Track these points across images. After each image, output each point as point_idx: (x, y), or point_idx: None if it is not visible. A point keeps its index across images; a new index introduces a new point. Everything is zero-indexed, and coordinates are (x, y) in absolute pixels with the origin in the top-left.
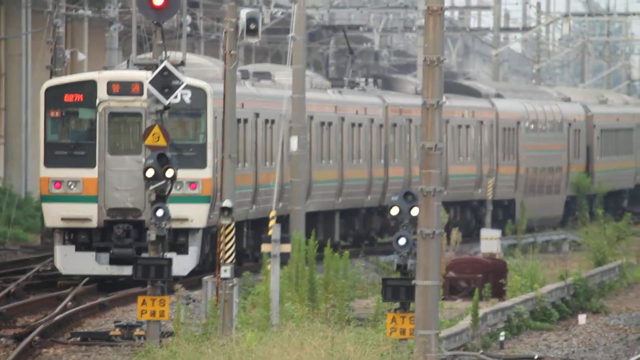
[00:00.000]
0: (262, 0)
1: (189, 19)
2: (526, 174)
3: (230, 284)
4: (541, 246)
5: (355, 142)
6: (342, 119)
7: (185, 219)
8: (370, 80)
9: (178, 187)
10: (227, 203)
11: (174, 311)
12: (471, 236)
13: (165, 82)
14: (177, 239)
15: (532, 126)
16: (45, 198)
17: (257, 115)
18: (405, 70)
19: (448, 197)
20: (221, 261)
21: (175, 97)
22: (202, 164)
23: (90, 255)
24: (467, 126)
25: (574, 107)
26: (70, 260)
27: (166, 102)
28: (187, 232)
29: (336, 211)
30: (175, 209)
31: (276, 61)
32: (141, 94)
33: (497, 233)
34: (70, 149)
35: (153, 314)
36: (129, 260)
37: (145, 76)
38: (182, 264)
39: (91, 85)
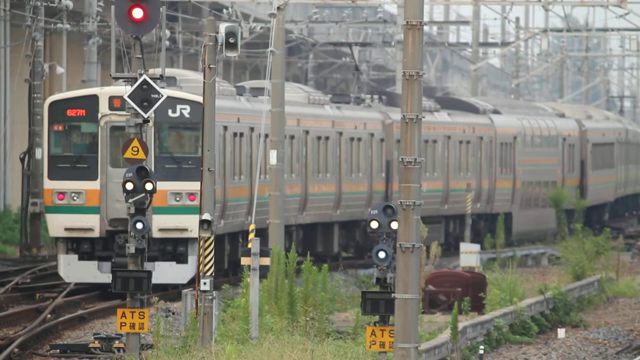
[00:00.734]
0: (241, 14)
1: (168, 33)
2: (522, 188)
3: (210, 297)
4: (520, 260)
5: (355, 156)
6: (340, 133)
7: (185, 229)
8: (376, 96)
9: (177, 199)
10: (206, 216)
11: (153, 324)
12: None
13: (145, 96)
14: (177, 249)
15: (528, 141)
16: (49, 209)
17: (252, 129)
18: (384, 85)
19: (449, 211)
20: (201, 274)
21: (175, 111)
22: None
23: (93, 264)
24: (468, 142)
25: (569, 123)
26: (74, 269)
27: (145, 116)
28: (186, 241)
29: (335, 223)
30: (175, 220)
31: (255, 75)
32: None
33: (476, 247)
34: (73, 161)
35: (132, 326)
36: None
37: None
38: (182, 272)
39: (93, 100)
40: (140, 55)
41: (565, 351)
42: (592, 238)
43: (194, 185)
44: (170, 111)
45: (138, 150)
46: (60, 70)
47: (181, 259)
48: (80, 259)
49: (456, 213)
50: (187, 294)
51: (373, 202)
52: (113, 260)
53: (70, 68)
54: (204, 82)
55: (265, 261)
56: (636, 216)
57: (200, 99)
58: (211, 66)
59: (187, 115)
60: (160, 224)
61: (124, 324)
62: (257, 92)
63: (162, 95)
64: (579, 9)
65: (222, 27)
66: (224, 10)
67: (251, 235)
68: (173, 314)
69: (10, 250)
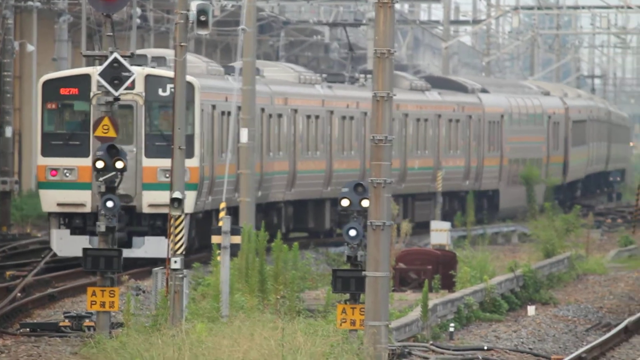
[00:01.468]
0: None
1: (138, 11)
2: (509, 165)
3: (180, 275)
4: (490, 238)
5: (347, 135)
6: (331, 112)
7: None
8: (369, 76)
9: (167, 175)
10: (176, 194)
11: (123, 302)
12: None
13: (115, 74)
14: (166, 224)
15: (515, 119)
16: (42, 185)
17: (239, 108)
18: (355, 63)
19: (440, 188)
20: (171, 252)
21: (165, 91)
22: (190, 154)
23: (85, 239)
24: (457, 120)
25: (554, 100)
26: (66, 243)
27: (116, 94)
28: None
29: (326, 200)
30: (165, 196)
31: (226, 53)
32: (132, 87)
33: (446, 225)
34: (65, 139)
35: (103, 305)
36: (121, 243)
37: (137, 71)
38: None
39: (86, 79)
40: (111, 33)
41: (535, 328)
42: (562, 216)
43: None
44: (160, 90)
45: (109, 129)
46: (30, 48)
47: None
48: (72, 233)
49: (447, 190)
50: (157, 272)
51: (367, 179)
52: None
53: (41, 46)
54: (175, 59)
55: (236, 239)
56: (606, 193)
57: (190, 78)
58: (182, 44)
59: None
60: (150, 199)
61: (94, 303)
62: None
63: (133, 73)
64: None
65: (193, 5)
66: None
67: (222, 214)
68: (143, 292)
69: None
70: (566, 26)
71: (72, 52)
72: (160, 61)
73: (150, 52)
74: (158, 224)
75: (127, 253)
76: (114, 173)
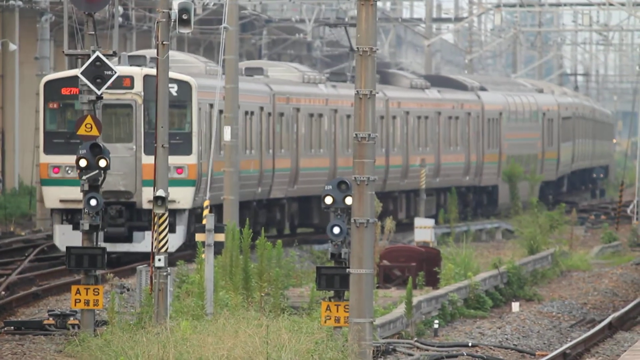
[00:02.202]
0: None
1: (120, 9)
2: (507, 162)
3: (165, 273)
4: (474, 235)
5: (351, 133)
6: (335, 111)
7: (173, 201)
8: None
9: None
10: (160, 192)
11: (108, 300)
12: (473, 217)
13: (98, 72)
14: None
15: (512, 116)
16: (44, 182)
17: (237, 106)
18: (338, 61)
19: (441, 184)
20: (155, 250)
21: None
22: (188, 151)
23: None
24: (457, 117)
25: (547, 98)
26: (68, 238)
27: (99, 92)
28: (174, 212)
29: None
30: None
31: (208, 52)
32: (132, 87)
33: (430, 222)
34: (67, 137)
35: (87, 303)
36: (122, 238)
37: (136, 72)
38: (171, 241)
39: None
40: (93, 32)
41: (520, 325)
42: (546, 212)
43: (181, 160)
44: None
45: (91, 127)
46: (13, 47)
47: (170, 228)
48: (74, 229)
49: (447, 185)
50: (141, 270)
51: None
52: (105, 230)
53: (23, 45)
54: (157, 59)
55: (220, 237)
56: (589, 190)
57: (187, 78)
58: (164, 43)
59: (174, 94)
60: (149, 195)
61: (78, 301)
62: (252, 71)
63: (115, 72)
64: None
65: (175, 3)
66: None
67: (206, 212)
68: (128, 290)
69: None
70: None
71: (54, 50)
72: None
73: (149, 52)
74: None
75: (127, 247)
76: (97, 171)
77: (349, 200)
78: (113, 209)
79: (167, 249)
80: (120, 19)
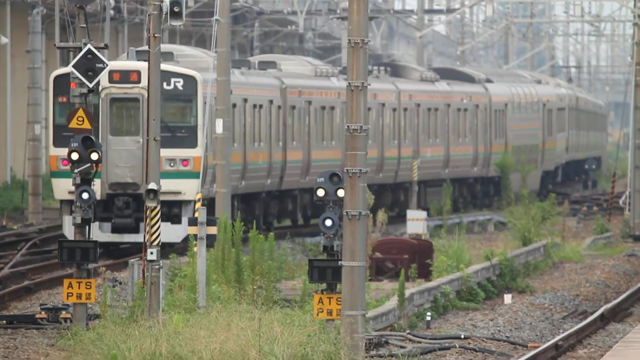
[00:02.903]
0: None
1: (112, 2)
2: (512, 152)
3: (157, 266)
4: (467, 227)
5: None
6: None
7: (179, 192)
8: (382, 68)
9: (172, 164)
10: (152, 185)
11: (100, 294)
12: (466, 209)
13: (89, 65)
14: (172, 210)
15: (516, 107)
16: (54, 174)
17: (245, 100)
18: (330, 53)
19: (450, 175)
20: (147, 243)
21: (170, 84)
22: (193, 144)
23: (94, 225)
24: (465, 109)
25: (546, 89)
26: None
27: (90, 85)
28: (180, 204)
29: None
30: (170, 184)
31: (200, 44)
32: (139, 81)
33: (422, 214)
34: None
35: (79, 296)
36: (129, 229)
37: (143, 66)
38: (176, 232)
39: None
40: (85, 25)
41: (512, 317)
42: (538, 204)
43: (187, 152)
44: (165, 84)
45: (83, 120)
46: (4, 40)
47: (176, 219)
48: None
49: (456, 176)
50: (133, 263)
51: (384, 168)
52: (113, 221)
53: (15, 38)
54: (149, 51)
55: (212, 230)
56: (581, 181)
57: (193, 72)
58: (156, 35)
59: (180, 88)
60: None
61: (70, 295)
62: (266, 65)
63: (107, 65)
64: None
65: None
66: None
67: (198, 205)
68: (120, 283)
69: None
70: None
71: (46, 43)
72: (167, 56)
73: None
74: (164, 211)
75: (134, 238)
76: (89, 165)
77: (341, 193)
78: (120, 200)
79: (159, 242)
80: (111, 12)
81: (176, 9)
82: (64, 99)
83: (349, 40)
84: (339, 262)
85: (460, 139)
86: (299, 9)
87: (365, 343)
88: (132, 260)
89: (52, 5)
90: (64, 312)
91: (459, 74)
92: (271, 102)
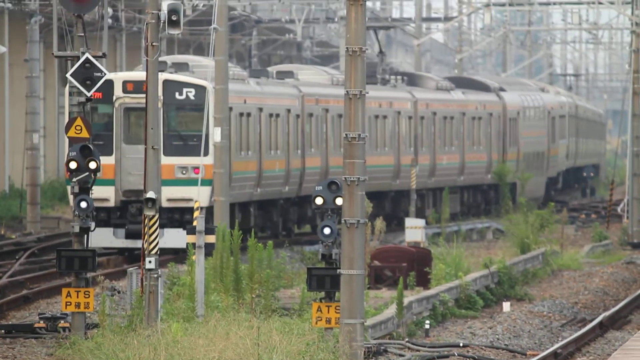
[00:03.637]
0: None
1: (110, 11)
2: (523, 159)
3: (155, 275)
4: (465, 234)
5: (380, 132)
6: None
7: (190, 199)
8: (399, 77)
9: (184, 172)
10: (150, 194)
11: (98, 303)
12: (478, 216)
13: (87, 74)
14: (184, 217)
15: (526, 115)
16: (69, 182)
17: (260, 109)
18: (328, 61)
19: (465, 182)
20: (146, 252)
21: (182, 94)
22: (205, 152)
23: (109, 231)
24: (480, 118)
25: (551, 97)
26: (92, 235)
27: (88, 94)
28: (192, 210)
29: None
30: (182, 191)
31: (198, 52)
32: None
33: (421, 222)
34: (91, 139)
35: (78, 305)
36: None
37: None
38: None
39: (109, 84)
40: (83, 34)
41: (511, 324)
42: (537, 211)
43: (198, 160)
44: (177, 94)
45: (81, 129)
46: (2, 49)
47: (187, 226)
48: (97, 226)
49: (471, 184)
50: (132, 272)
51: (401, 175)
52: (127, 227)
53: (13, 47)
54: (146, 60)
55: (211, 239)
56: (580, 189)
57: (204, 82)
58: (154, 44)
59: (192, 98)
60: (168, 194)
61: (69, 304)
62: (283, 75)
63: (105, 73)
64: None
65: (165, 4)
66: None
67: (196, 213)
68: (119, 292)
69: None
70: (538, 22)
71: (44, 52)
72: (182, 67)
73: (174, 58)
74: (176, 217)
75: None
76: (87, 174)
77: (339, 201)
78: (134, 207)
79: (157, 251)
80: (109, 21)
81: (174, 18)
82: None
83: (347, 48)
84: (338, 271)
85: (474, 146)
86: (296, 17)
87: (364, 351)
88: (130, 269)
89: (50, 14)
90: (62, 321)
91: (474, 83)
92: (289, 110)
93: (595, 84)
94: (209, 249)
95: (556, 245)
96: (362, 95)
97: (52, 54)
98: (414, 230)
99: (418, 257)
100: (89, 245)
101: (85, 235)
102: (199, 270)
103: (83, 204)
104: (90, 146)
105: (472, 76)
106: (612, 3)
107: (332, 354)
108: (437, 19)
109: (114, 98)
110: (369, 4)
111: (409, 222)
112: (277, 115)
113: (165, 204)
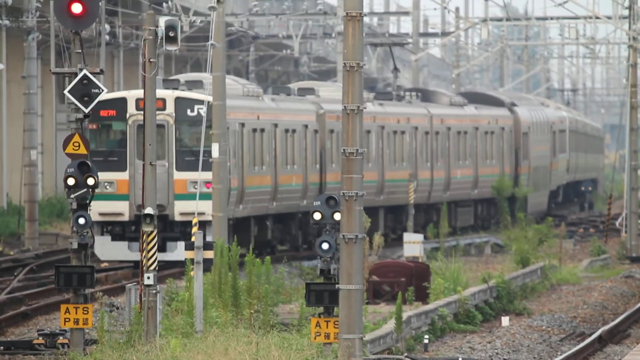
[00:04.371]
0: (181, 8)
1: (107, 27)
2: (533, 172)
3: (154, 291)
4: (463, 249)
5: (398, 148)
6: (382, 127)
7: (202, 213)
8: (414, 93)
9: (195, 187)
10: (149, 210)
11: (97, 319)
12: (489, 228)
13: (85, 90)
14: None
15: (535, 130)
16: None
17: (275, 125)
18: (325, 77)
19: (479, 195)
20: (144, 268)
21: (193, 111)
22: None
23: (123, 244)
24: (492, 132)
25: (553, 112)
26: (107, 249)
27: (86, 110)
28: (204, 224)
29: (379, 208)
30: (194, 205)
31: (196, 68)
32: (164, 108)
33: (419, 237)
34: (105, 155)
35: (76, 322)
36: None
37: (168, 94)
38: None
39: (122, 102)
40: (80, 50)
41: (510, 339)
42: (535, 226)
43: (210, 175)
44: (188, 111)
45: (79, 146)
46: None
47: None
48: (112, 239)
49: (484, 197)
50: (130, 288)
51: (418, 189)
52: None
53: (10, 64)
54: (144, 76)
55: (209, 254)
56: (577, 203)
57: (212, 99)
58: (151, 60)
59: (202, 114)
60: (181, 208)
61: (67, 320)
62: (304, 92)
63: (103, 90)
64: None
65: (162, 20)
66: (164, 4)
67: (194, 229)
68: (117, 308)
69: None
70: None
71: (41, 69)
72: (196, 84)
73: (188, 76)
74: (189, 230)
75: (161, 257)
76: (85, 190)
77: (337, 216)
78: None
79: (156, 267)
80: (107, 37)
81: (171, 34)
82: (94, 126)
83: (344, 64)
84: (336, 286)
85: (487, 160)
86: (294, 33)
87: None
88: (129, 285)
89: (48, 30)
90: (61, 338)
91: (487, 98)
92: (306, 126)
93: (592, 99)
94: (207, 264)
95: (555, 259)
96: (359, 111)
97: (50, 70)
98: (412, 245)
99: (416, 272)
100: (105, 257)
101: (84, 252)
102: (197, 286)
103: (81, 220)
104: (89, 162)
105: (484, 91)
106: (609, 18)
107: None
108: (435, 34)
109: (128, 115)
110: (366, 19)
111: (407, 237)
112: (294, 131)
113: (177, 217)
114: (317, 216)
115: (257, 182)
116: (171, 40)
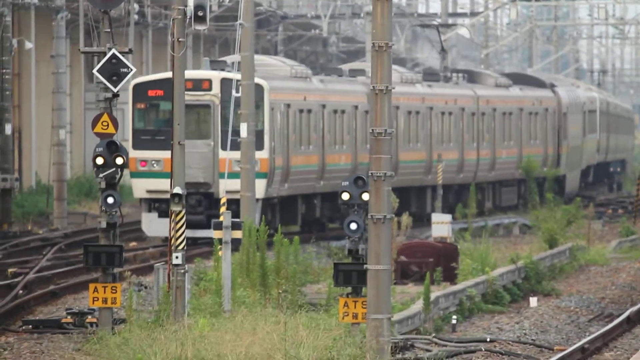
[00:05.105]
0: None
1: (136, 6)
2: (570, 152)
3: (182, 271)
4: (492, 230)
5: (446, 128)
6: (431, 108)
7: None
8: (460, 75)
9: (240, 165)
10: (177, 190)
11: (126, 298)
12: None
13: (114, 70)
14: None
15: (572, 110)
16: (133, 174)
17: (323, 106)
18: (354, 57)
19: (522, 175)
20: (172, 247)
21: (238, 91)
22: (260, 147)
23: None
24: (536, 113)
25: (585, 92)
26: (154, 225)
27: (115, 90)
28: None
29: (427, 187)
30: (238, 183)
31: (224, 48)
32: (210, 89)
33: (447, 217)
34: (153, 134)
35: (105, 301)
36: (201, 225)
37: (215, 75)
38: None
39: (169, 82)
40: (109, 30)
41: (538, 320)
42: (563, 207)
43: (255, 154)
44: (234, 91)
45: (108, 125)
46: (28, 45)
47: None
48: (159, 216)
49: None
50: (159, 268)
51: (464, 169)
52: (186, 217)
53: (39, 43)
54: (172, 55)
55: (237, 234)
56: (607, 184)
57: (260, 81)
58: (180, 40)
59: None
60: (227, 187)
61: (96, 299)
62: (355, 73)
63: (132, 69)
64: None
65: (191, 0)
66: None
67: (223, 209)
68: (145, 288)
69: None
70: (564, 17)
71: (70, 48)
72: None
73: (230, 58)
74: (233, 208)
75: (207, 233)
76: (114, 169)
77: (365, 196)
78: (193, 198)
79: (184, 246)
80: (136, 17)
81: (200, 14)
82: (142, 105)
83: (373, 44)
84: (364, 266)
85: (531, 140)
86: (322, 13)
87: (391, 347)
88: (157, 264)
89: (77, 10)
90: (89, 317)
91: (529, 79)
92: (356, 107)
93: (621, 79)
94: (235, 244)
95: (583, 240)
96: (388, 91)
97: (79, 50)
98: (441, 226)
99: (444, 253)
100: (152, 234)
101: (112, 231)
102: (225, 266)
103: (110, 200)
104: (117, 142)
105: (528, 72)
106: None
107: (359, 349)
108: (463, 15)
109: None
110: None
111: (436, 217)
112: (343, 112)
113: (222, 195)
114: (345, 196)
115: (302, 162)
116: (200, 19)
